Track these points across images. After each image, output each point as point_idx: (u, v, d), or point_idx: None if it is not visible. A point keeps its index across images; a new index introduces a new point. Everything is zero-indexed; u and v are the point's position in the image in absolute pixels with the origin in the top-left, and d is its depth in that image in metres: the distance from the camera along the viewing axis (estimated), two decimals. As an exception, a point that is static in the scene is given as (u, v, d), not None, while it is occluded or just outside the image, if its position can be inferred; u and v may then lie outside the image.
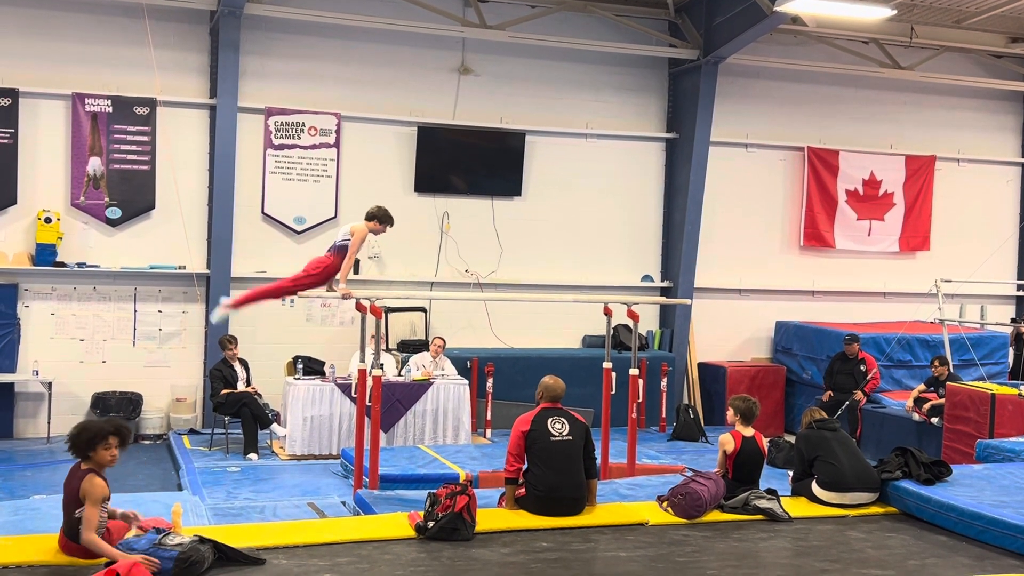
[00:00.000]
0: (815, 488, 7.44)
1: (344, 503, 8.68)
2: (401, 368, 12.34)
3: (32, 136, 12.38)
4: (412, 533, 6.35)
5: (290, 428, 11.24)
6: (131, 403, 12.48)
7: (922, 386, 12.49)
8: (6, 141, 12.23)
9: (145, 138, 12.69)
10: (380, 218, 9.05)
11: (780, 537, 6.72)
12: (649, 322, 14.87)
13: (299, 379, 11.52)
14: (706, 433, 13.06)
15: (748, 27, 13.26)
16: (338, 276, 8.44)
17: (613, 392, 9.09)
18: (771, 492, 7.28)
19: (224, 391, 11.33)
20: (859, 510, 7.31)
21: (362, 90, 13.60)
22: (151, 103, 12.67)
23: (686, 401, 14.63)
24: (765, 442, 7.73)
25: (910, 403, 12.28)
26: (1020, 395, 10.54)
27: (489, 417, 12.72)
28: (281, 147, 13.26)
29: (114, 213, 12.65)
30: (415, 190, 13.85)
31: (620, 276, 14.77)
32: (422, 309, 13.83)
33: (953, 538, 6.74)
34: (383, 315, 9.37)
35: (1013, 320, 15.85)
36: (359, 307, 8.52)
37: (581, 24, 14.19)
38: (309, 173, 13.39)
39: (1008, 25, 15.30)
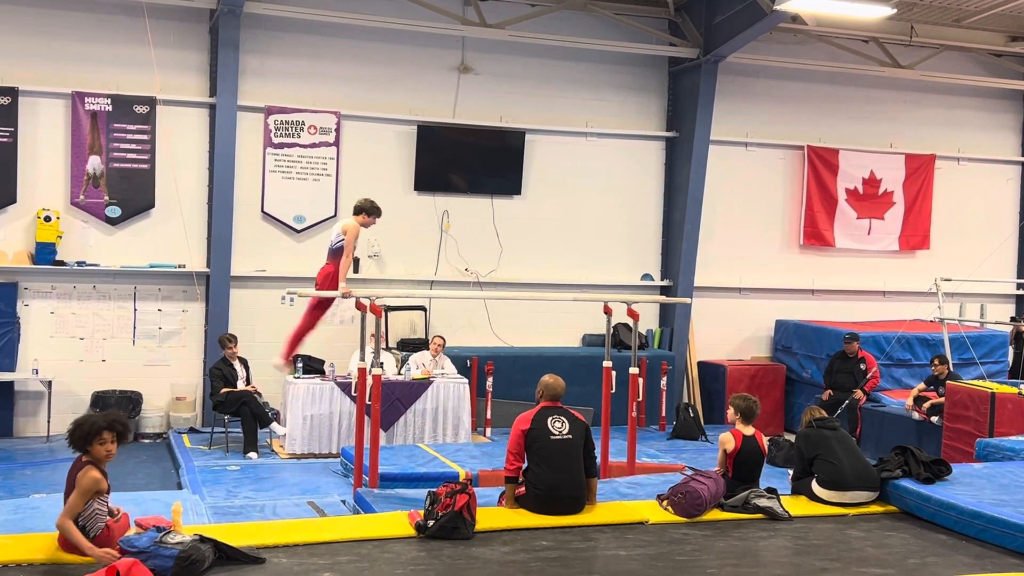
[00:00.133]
0: (815, 487, 7.44)
1: (344, 502, 8.68)
2: (401, 367, 12.34)
3: (32, 135, 12.38)
4: (412, 532, 6.35)
5: (290, 427, 11.24)
6: (131, 402, 12.48)
7: (922, 385, 12.50)
8: (6, 140, 12.23)
9: (145, 137, 12.69)
10: (368, 210, 9.13)
11: (780, 536, 6.72)
12: (649, 321, 14.88)
13: (299, 378, 11.51)
14: (706, 432, 13.08)
15: (748, 26, 13.26)
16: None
17: (613, 391, 9.09)
18: (771, 491, 7.28)
19: (224, 390, 11.33)
20: (859, 509, 7.30)
21: (362, 89, 13.60)
22: (151, 102, 12.67)
23: (686, 400, 14.64)
24: (765, 441, 7.73)
25: (910, 402, 12.29)
26: (1020, 394, 10.54)
27: (489, 416, 12.73)
28: (281, 146, 13.25)
29: (114, 212, 12.65)
30: (415, 189, 13.86)
31: (620, 275, 14.77)
32: (422, 308, 13.83)
33: (953, 537, 6.74)
34: (383, 314, 9.37)
35: (1013, 319, 15.86)
36: (359, 306, 8.52)
37: (581, 23, 14.19)
38: (309, 172, 13.38)
39: (1008, 24, 15.30)
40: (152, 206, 12.81)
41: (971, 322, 14.86)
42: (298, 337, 9.51)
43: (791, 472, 8.00)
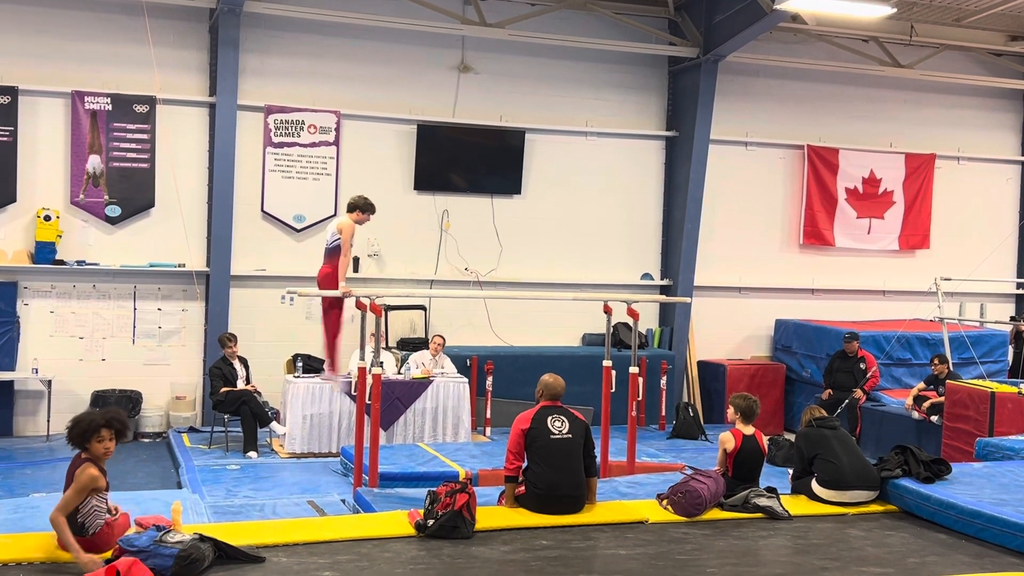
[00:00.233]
0: (815, 486, 7.44)
1: (344, 501, 8.68)
2: (401, 366, 12.33)
3: (32, 134, 12.37)
4: (412, 531, 6.35)
5: (290, 426, 11.23)
6: (131, 401, 12.47)
7: (922, 384, 12.50)
8: (6, 139, 12.23)
9: (145, 136, 12.69)
10: (362, 207, 9.12)
11: (780, 535, 6.72)
12: (649, 320, 14.87)
13: (299, 377, 11.51)
14: (705, 431, 13.08)
15: (748, 25, 13.26)
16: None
17: (613, 390, 9.09)
18: (771, 490, 7.28)
19: (224, 389, 11.32)
20: (859, 508, 7.31)
21: (362, 88, 13.59)
22: (151, 101, 12.66)
23: (686, 399, 14.64)
24: (765, 440, 7.73)
25: (910, 401, 12.28)
26: (1020, 393, 10.54)
27: (489, 415, 12.72)
28: (281, 145, 13.25)
29: (114, 211, 12.65)
30: (415, 188, 13.85)
31: (620, 274, 14.77)
32: (422, 307, 13.83)
33: (953, 536, 6.74)
34: (383, 313, 9.37)
35: (1012, 318, 15.87)
36: (359, 305, 8.52)
37: (581, 22, 14.18)
38: (309, 171, 13.38)
39: (1008, 23, 15.29)
40: (152, 205, 12.81)
41: (971, 321, 14.86)
42: (331, 346, 9.46)
43: (791, 471, 8.00)
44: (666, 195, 14.99)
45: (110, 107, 12.53)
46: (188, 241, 12.81)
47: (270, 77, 13.20)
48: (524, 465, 6.96)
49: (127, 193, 12.68)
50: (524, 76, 14.26)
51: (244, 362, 11.81)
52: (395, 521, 6.58)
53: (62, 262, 12.41)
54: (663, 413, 13.64)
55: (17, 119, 12.24)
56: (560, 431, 6.93)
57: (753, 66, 14.95)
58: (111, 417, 5.77)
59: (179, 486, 9.86)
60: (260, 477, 10.06)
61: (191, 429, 12.61)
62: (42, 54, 12.40)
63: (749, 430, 7.52)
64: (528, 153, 14.24)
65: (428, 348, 12.51)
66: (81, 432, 5.68)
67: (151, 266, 12.80)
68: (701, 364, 15.02)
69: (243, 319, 12.91)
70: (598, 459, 7.67)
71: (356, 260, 13.30)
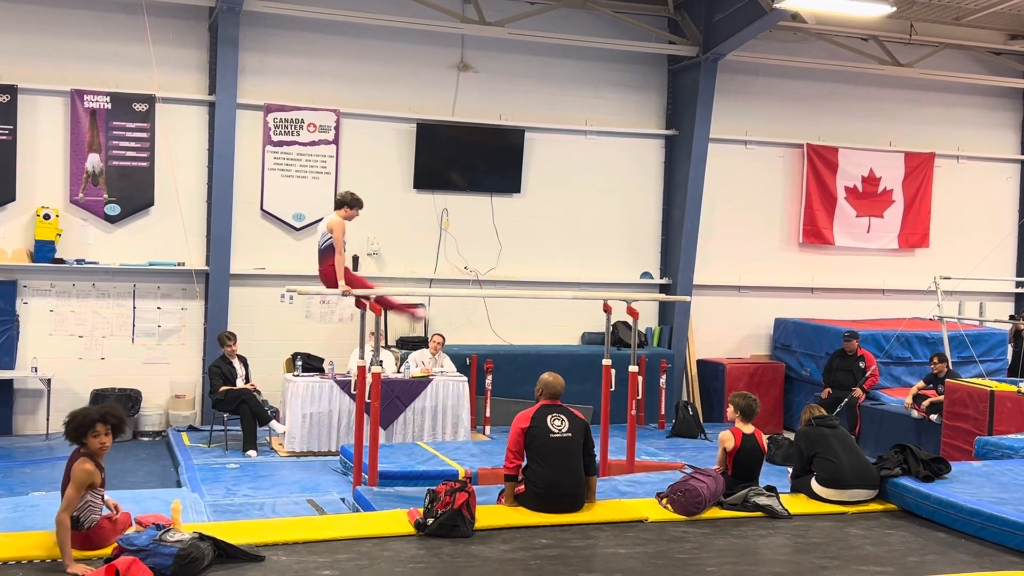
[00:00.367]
0: (814, 485, 7.44)
1: (343, 500, 8.67)
2: (400, 365, 12.34)
3: (31, 132, 12.37)
4: (411, 530, 6.35)
5: (289, 425, 11.23)
6: (130, 400, 12.47)
7: (921, 383, 12.50)
8: (5, 138, 12.22)
9: (144, 135, 12.68)
10: (350, 203, 9.09)
11: (779, 534, 6.72)
12: (648, 319, 14.87)
13: (298, 376, 11.51)
14: (705, 430, 13.08)
15: (747, 24, 13.26)
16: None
17: (612, 389, 9.09)
18: (770, 489, 7.28)
19: (223, 388, 11.32)
20: (858, 507, 7.31)
21: (361, 87, 13.59)
22: (150, 99, 12.66)
23: (685, 398, 14.64)
24: (764, 439, 7.73)
25: (909, 400, 12.29)
26: (1019, 392, 10.54)
27: (488, 414, 12.73)
28: (280, 144, 13.24)
29: (113, 210, 12.64)
30: (414, 187, 13.85)
31: (619, 273, 14.77)
32: (421, 306, 13.80)
33: (952, 535, 6.74)
34: (382, 312, 9.37)
35: (1012, 317, 15.86)
36: (358, 304, 8.52)
37: (580, 21, 14.18)
38: (308, 170, 13.38)
39: (1007, 22, 15.29)
40: (151, 204, 12.80)
41: (970, 320, 14.86)
42: (393, 305, 9.96)
43: (790, 470, 8.00)
44: (666, 194, 14.99)
45: (109, 106, 12.53)
46: (187, 240, 12.81)
47: (269, 76, 13.20)
48: (524, 464, 6.97)
49: (126, 192, 12.67)
50: (524, 75, 14.26)
51: (243, 361, 11.81)
52: (395, 520, 6.58)
53: (61, 261, 12.40)
54: (662, 412, 13.65)
55: (16, 118, 12.23)
56: (560, 430, 6.93)
57: (753, 65, 14.95)
58: (106, 412, 5.79)
59: (178, 485, 9.86)
60: (259, 476, 10.06)
61: (190, 428, 12.61)
62: (41, 53, 12.39)
63: (749, 429, 7.52)
64: (528, 152, 14.24)
65: (427, 347, 12.51)
66: (77, 427, 5.70)
67: (150, 265, 12.80)
68: (700, 363, 15.03)
69: (242, 318, 12.91)
70: (598, 458, 7.67)
71: (356, 259, 13.30)
